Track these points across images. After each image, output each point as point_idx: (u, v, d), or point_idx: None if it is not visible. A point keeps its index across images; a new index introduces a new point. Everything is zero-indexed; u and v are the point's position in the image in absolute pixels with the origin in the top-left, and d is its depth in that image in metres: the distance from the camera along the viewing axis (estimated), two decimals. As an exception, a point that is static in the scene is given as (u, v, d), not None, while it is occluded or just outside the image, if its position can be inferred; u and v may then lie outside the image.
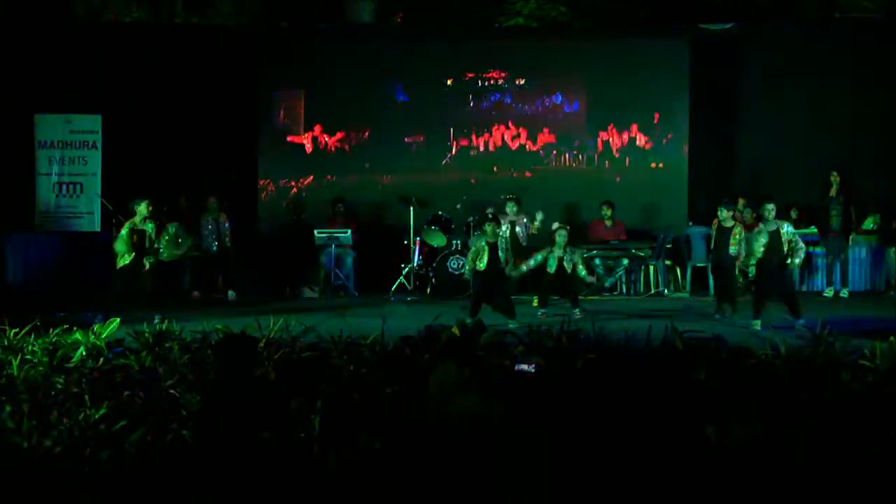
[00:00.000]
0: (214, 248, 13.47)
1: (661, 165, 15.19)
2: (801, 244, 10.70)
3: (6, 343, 7.03)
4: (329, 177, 15.28)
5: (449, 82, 15.28)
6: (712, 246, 11.71)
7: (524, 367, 6.39)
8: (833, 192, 13.58)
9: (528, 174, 15.19)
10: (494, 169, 15.23)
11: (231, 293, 13.26)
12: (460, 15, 17.11)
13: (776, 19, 16.13)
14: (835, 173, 13.64)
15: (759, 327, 10.20)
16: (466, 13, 17.22)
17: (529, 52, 15.43)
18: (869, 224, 14.13)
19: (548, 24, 17.25)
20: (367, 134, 15.34)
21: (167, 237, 11.90)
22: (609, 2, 17.15)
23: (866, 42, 14.91)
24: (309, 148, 15.32)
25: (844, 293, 13.55)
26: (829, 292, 13.60)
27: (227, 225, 13.57)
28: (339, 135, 15.35)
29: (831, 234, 13.65)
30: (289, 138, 15.32)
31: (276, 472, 4.59)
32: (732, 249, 11.14)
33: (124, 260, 10.73)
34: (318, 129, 15.29)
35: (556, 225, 12.21)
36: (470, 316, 9.83)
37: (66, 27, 15.88)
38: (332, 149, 15.34)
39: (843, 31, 15.46)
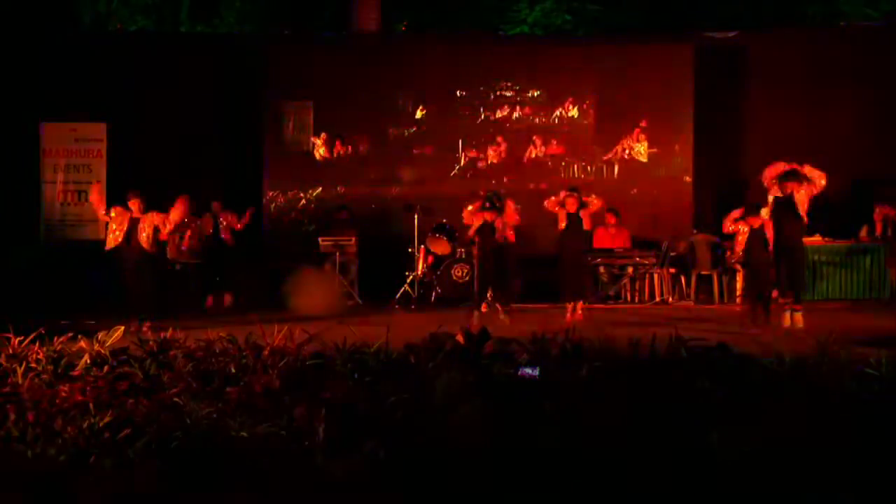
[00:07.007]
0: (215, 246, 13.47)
1: (665, 173, 15.17)
2: None
3: (11, 351, 7.03)
4: (337, 187, 15.27)
5: (461, 93, 15.26)
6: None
7: (528, 370, 6.41)
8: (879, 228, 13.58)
9: (540, 186, 14.95)
10: (504, 180, 15.16)
11: (232, 299, 13.28)
12: (464, 23, 17.13)
13: (780, 27, 16.14)
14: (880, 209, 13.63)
15: None
16: (470, 21, 17.23)
17: (536, 61, 15.41)
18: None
19: (552, 32, 17.28)
20: (374, 145, 15.33)
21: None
22: (613, 10, 17.18)
23: (869, 49, 14.90)
24: (316, 158, 15.32)
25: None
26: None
27: (225, 225, 13.56)
28: (346, 145, 15.32)
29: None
30: (296, 149, 15.30)
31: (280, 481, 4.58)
32: None
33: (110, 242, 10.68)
34: (325, 139, 15.28)
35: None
36: (476, 301, 9.85)
37: (71, 36, 15.95)
38: (340, 159, 15.33)
39: (847, 39, 15.45)
